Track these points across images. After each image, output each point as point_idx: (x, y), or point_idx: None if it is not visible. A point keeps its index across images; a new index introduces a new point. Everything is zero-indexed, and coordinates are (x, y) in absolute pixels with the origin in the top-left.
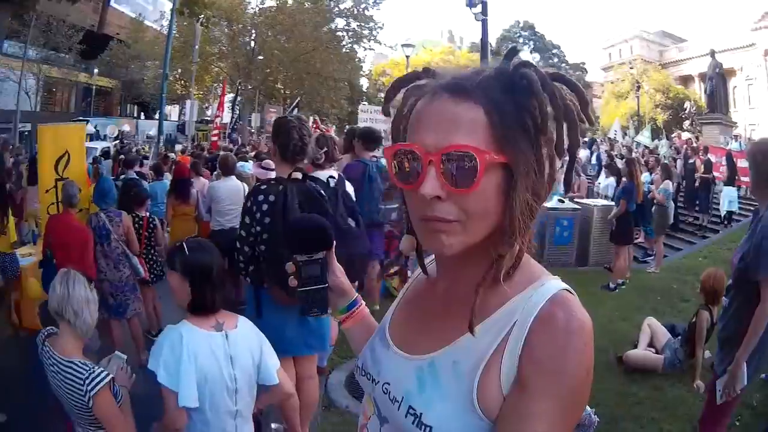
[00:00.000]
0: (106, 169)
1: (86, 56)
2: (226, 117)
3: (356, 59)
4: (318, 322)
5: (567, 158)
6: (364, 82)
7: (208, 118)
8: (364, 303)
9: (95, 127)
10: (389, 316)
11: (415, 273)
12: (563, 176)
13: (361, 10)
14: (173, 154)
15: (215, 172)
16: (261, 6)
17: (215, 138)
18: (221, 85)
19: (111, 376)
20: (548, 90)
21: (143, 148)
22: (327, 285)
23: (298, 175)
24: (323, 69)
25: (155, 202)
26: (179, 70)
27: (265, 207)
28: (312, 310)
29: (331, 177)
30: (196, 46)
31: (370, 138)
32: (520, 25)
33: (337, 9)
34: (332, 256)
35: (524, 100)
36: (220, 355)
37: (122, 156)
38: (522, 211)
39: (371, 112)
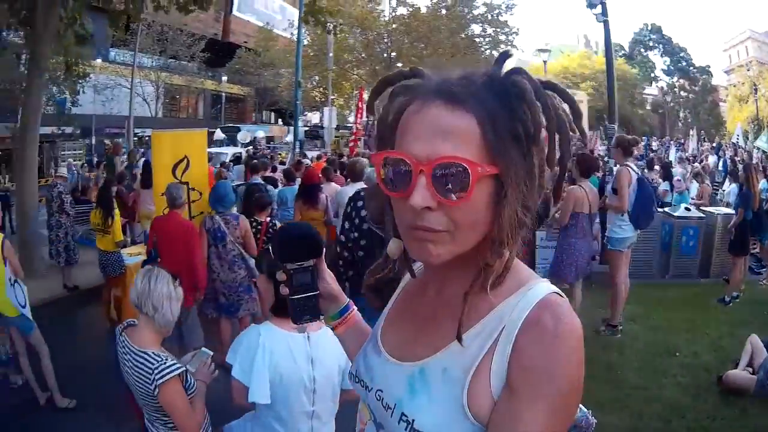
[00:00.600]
0: (237, 174)
1: (212, 64)
2: None
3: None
4: None
5: (558, 169)
6: None
7: (349, 125)
8: (356, 309)
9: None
10: (381, 321)
11: (406, 277)
12: (553, 187)
13: (494, 15)
14: (307, 159)
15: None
16: (394, 14)
17: (352, 144)
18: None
19: (182, 368)
20: (541, 99)
21: (280, 154)
22: (318, 292)
23: None
24: None
25: (285, 207)
26: (316, 78)
27: (363, 213)
28: (304, 316)
29: None
30: (330, 54)
31: None
32: (649, 28)
33: (470, 15)
34: (322, 263)
35: (517, 108)
36: (299, 356)
37: (255, 161)
38: (511, 222)
39: None
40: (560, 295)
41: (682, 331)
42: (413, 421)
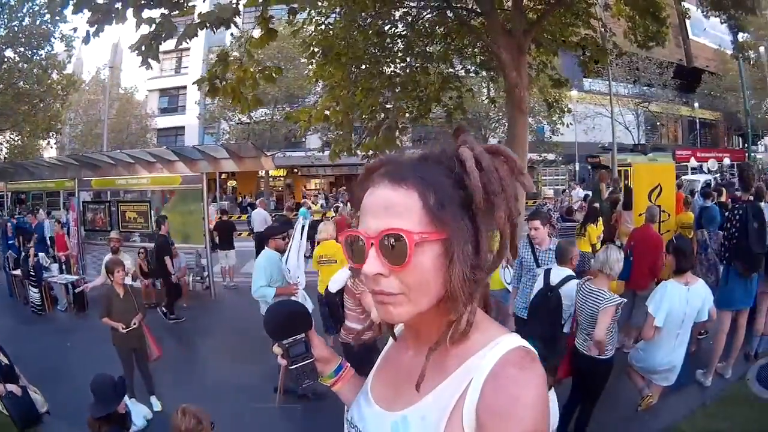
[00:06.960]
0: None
1: (683, 90)
2: None
3: None
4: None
5: (508, 227)
6: None
7: None
8: (349, 365)
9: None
10: (371, 376)
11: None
12: (508, 243)
13: None
14: None
15: None
16: None
17: None
18: None
19: (619, 301)
20: (484, 164)
21: None
22: (313, 359)
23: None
24: None
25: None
26: None
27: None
28: (306, 381)
29: None
30: None
31: None
32: None
33: None
34: (313, 333)
35: (459, 177)
36: (682, 298)
37: (722, 188)
38: (462, 282)
39: None
40: (527, 348)
41: None
42: None
